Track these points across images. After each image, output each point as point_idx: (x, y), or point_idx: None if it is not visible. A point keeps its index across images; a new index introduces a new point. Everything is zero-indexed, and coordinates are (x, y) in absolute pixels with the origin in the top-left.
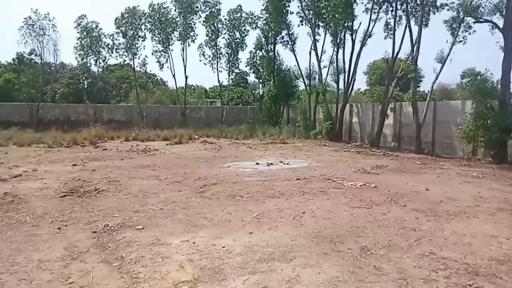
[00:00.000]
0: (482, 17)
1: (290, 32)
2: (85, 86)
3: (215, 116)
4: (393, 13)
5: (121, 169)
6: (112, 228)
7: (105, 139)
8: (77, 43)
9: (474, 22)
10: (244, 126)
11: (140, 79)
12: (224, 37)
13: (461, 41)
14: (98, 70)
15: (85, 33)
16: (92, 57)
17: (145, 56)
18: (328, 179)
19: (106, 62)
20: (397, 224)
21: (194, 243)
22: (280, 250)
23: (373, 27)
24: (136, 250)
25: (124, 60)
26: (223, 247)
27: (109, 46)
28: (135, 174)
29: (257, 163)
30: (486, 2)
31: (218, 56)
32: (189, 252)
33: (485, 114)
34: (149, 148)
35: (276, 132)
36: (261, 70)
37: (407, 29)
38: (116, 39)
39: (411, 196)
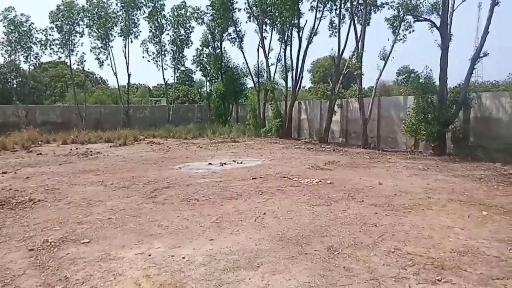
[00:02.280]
0: (422, 16)
1: (238, 29)
2: (14, 85)
3: (161, 115)
4: (337, 11)
5: (60, 176)
6: (52, 244)
7: (40, 142)
8: (3, 38)
9: (414, 21)
10: (192, 125)
11: (77, 77)
12: (168, 34)
13: (401, 39)
14: (29, 68)
15: (12, 27)
16: (22, 54)
17: (83, 53)
18: (284, 177)
19: (39, 59)
20: (359, 220)
21: (150, 255)
22: (245, 257)
23: (318, 25)
24: (83, 268)
25: (60, 57)
26: (183, 257)
27: (42, 42)
28: (76, 181)
29: (210, 163)
30: (424, 2)
31: (162, 53)
32: (145, 266)
33: (426, 108)
34: (91, 151)
35: (226, 131)
36: (208, 68)
37: (351, 27)
38: (51, 35)
39: (366, 191)
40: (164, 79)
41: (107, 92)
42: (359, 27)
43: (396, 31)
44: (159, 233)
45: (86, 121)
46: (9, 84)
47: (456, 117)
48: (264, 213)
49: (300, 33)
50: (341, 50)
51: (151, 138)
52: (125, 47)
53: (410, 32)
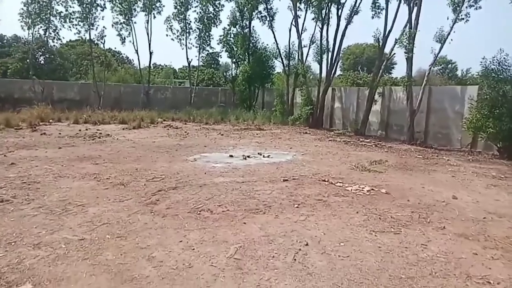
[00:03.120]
0: None
1: (269, 7)
2: (41, 62)
3: (183, 97)
4: None
5: (52, 163)
6: None
7: (51, 121)
8: (23, 10)
9: None
10: (215, 110)
11: (103, 56)
12: (195, 11)
13: (463, 18)
14: (52, 43)
15: None
16: (41, 26)
17: (103, 27)
18: (324, 181)
19: (58, 33)
20: (455, 268)
21: None
22: None
23: (360, 2)
24: None
25: (79, 31)
26: None
27: (62, 15)
28: (67, 171)
29: (231, 155)
30: None
31: (187, 31)
32: None
33: (496, 101)
34: (100, 133)
35: (250, 117)
36: (235, 49)
37: (401, 4)
38: (71, 7)
39: (440, 209)
40: (187, 59)
41: (130, 71)
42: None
43: (458, 8)
44: (147, 275)
45: (104, 100)
46: (37, 60)
47: None
48: (306, 244)
49: (340, 11)
50: (387, 31)
51: (169, 121)
52: (147, 22)
53: (476, 9)
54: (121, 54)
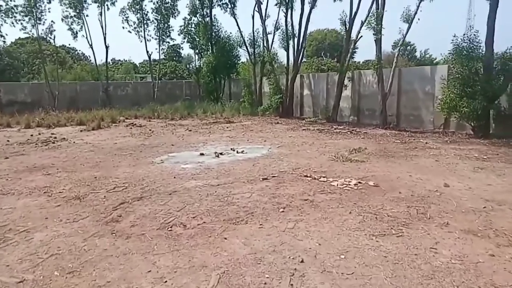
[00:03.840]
0: None
1: None
2: None
3: (145, 93)
4: None
5: None
6: None
7: None
8: None
9: None
10: (180, 104)
11: (55, 53)
12: (151, 0)
13: None
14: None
15: None
16: None
17: (52, 22)
18: (306, 176)
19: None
20: (478, 276)
21: None
22: None
23: None
24: None
25: (25, 27)
26: None
27: (2, 9)
28: (11, 186)
29: (202, 153)
30: None
31: (144, 22)
32: None
33: (469, 80)
34: (55, 137)
35: (218, 109)
36: (197, 39)
37: None
38: (12, 0)
39: (436, 201)
40: (147, 52)
41: (87, 68)
42: None
43: None
44: None
45: (59, 100)
46: None
47: (505, 91)
48: (302, 261)
49: None
50: (353, 13)
51: (132, 119)
52: (100, 15)
53: None
54: (77, 50)
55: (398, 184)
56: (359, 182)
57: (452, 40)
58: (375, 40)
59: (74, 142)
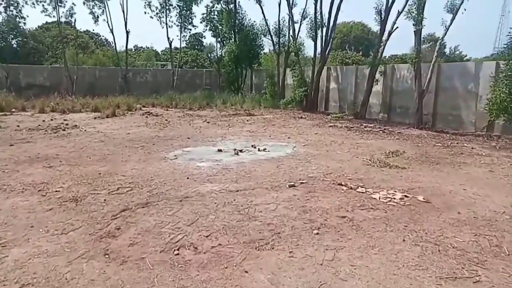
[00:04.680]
0: None
1: None
2: (14, 45)
3: (165, 80)
4: None
5: None
6: None
7: (13, 110)
8: None
9: None
10: (199, 93)
11: (80, 38)
12: None
13: None
14: (23, 25)
15: None
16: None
17: (72, 4)
18: (341, 184)
19: (20, 11)
20: None
21: None
22: None
23: None
24: None
25: (45, 9)
26: None
27: None
28: (5, 180)
29: (219, 150)
30: None
31: (167, 7)
32: None
33: None
34: (66, 124)
35: (238, 101)
36: (219, 27)
37: None
38: None
39: (509, 227)
40: (168, 38)
41: (108, 54)
42: None
43: None
44: None
45: (78, 85)
46: (9, 43)
47: None
48: None
49: None
50: (390, 1)
51: (149, 107)
52: None
53: None
54: (100, 36)
55: (452, 200)
56: (405, 196)
57: (509, 32)
58: (414, 31)
59: (85, 130)
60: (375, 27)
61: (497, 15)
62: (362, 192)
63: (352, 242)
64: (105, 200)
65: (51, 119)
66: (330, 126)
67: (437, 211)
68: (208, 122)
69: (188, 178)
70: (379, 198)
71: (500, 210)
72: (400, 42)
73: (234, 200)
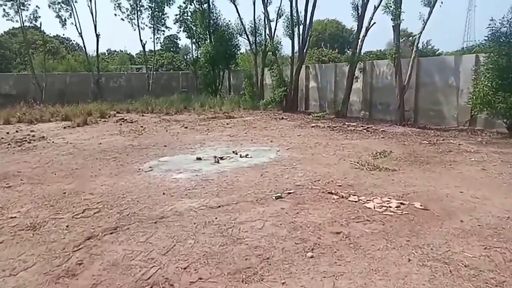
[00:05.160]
0: None
1: None
2: None
3: (140, 84)
4: None
5: None
6: None
7: None
8: None
9: None
10: (176, 97)
11: (50, 43)
12: None
13: None
14: None
15: None
16: None
17: (36, 7)
18: (331, 193)
19: None
20: None
21: None
22: None
23: None
24: None
25: (7, 13)
26: None
27: None
28: None
29: (199, 158)
30: None
31: (138, 9)
32: None
33: (509, 70)
34: (33, 136)
35: (217, 103)
36: (194, 28)
37: None
38: None
39: None
40: (141, 41)
41: (79, 59)
42: None
43: None
44: None
45: (47, 92)
46: None
47: None
48: None
49: None
50: None
51: (124, 113)
52: (90, 1)
53: None
54: (71, 40)
55: (452, 206)
56: (401, 203)
57: (489, 24)
58: (393, 26)
59: (53, 141)
60: (350, 24)
61: (463, 9)
62: (355, 201)
63: (352, 265)
64: (67, 226)
65: (16, 131)
66: (312, 126)
67: (438, 220)
68: (186, 127)
69: (164, 193)
70: (374, 208)
71: (503, 216)
72: (374, 39)
73: (216, 218)
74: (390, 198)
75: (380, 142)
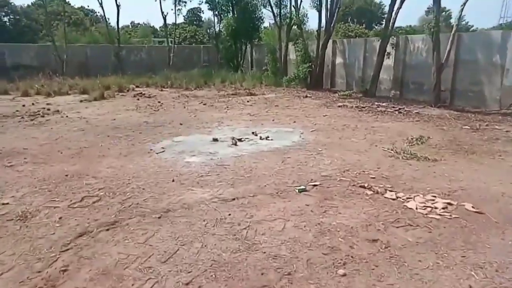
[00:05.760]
0: None
1: None
2: (6, 23)
3: (161, 58)
4: None
5: None
6: None
7: None
8: None
9: None
10: (197, 71)
11: (74, 15)
12: None
13: None
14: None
15: None
16: None
17: None
18: (363, 187)
19: None
20: None
21: None
22: None
23: None
24: None
25: None
26: None
27: None
28: None
29: (215, 139)
30: None
31: None
32: None
33: None
34: (48, 109)
35: (238, 79)
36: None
37: None
38: None
39: None
40: (162, 12)
41: (102, 31)
42: None
43: None
44: None
45: (68, 65)
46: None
47: None
48: None
49: None
50: None
51: (143, 87)
52: None
53: None
54: (95, 13)
55: (510, 208)
56: (449, 204)
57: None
58: None
59: (67, 116)
60: None
61: None
62: (393, 199)
63: None
64: (60, 218)
65: (32, 103)
66: (339, 106)
67: (497, 228)
68: (204, 104)
69: (173, 180)
70: (416, 208)
71: None
72: (404, 15)
73: (229, 215)
74: (434, 196)
75: (415, 126)
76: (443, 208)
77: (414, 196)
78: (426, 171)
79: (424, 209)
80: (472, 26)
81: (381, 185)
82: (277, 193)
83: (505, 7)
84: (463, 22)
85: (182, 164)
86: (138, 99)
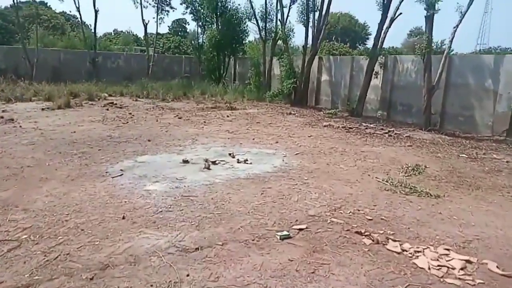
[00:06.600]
0: None
1: None
2: None
3: (140, 67)
4: None
5: None
6: None
7: None
8: None
9: None
10: (176, 82)
11: (55, 19)
12: None
13: None
14: None
15: None
16: None
17: None
18: (360, 233)
19: None
20: None
21: None
22: None
23: None
24: None
25: None
26: None
27: None
28: None
29: (185, 161)
30: None
31: None
32: None
33: None
34: (1, 117)
35: (219, 91)
36: (200, 10)
37: None
38: None
39: None
40: (143, 20)
41: (79, 36)
42: None
43: None
44: None
45: (39, 69)
46: None
47: None
48: None
49: None
50: None
51: (117, 96)
52: None
53: None
54: (77, 18)
55: None
56: (468, 261)
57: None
58: (426, 16)
59: (20, 126)
60: (363, 19)
61: (476, 12)
62: (397, 252)
63: None
64: None
65: None
66: (325, 125)
67: None
68: (180, 118)
69: (124, 217)
70: (429, 268)
71: None
72: (388, 36)
73: (187, 276)
74: (447, 250)
75: (409, 152)
76: (461, 269)
77: (424, 249)
78: (430, 212)
79: (439, 269)
80: (452, 50)
81: (381, 231)
82: (253, 240)
83: (482, 33)
84: (444, 46)
85: (139, 194)
86: (107, 109)
